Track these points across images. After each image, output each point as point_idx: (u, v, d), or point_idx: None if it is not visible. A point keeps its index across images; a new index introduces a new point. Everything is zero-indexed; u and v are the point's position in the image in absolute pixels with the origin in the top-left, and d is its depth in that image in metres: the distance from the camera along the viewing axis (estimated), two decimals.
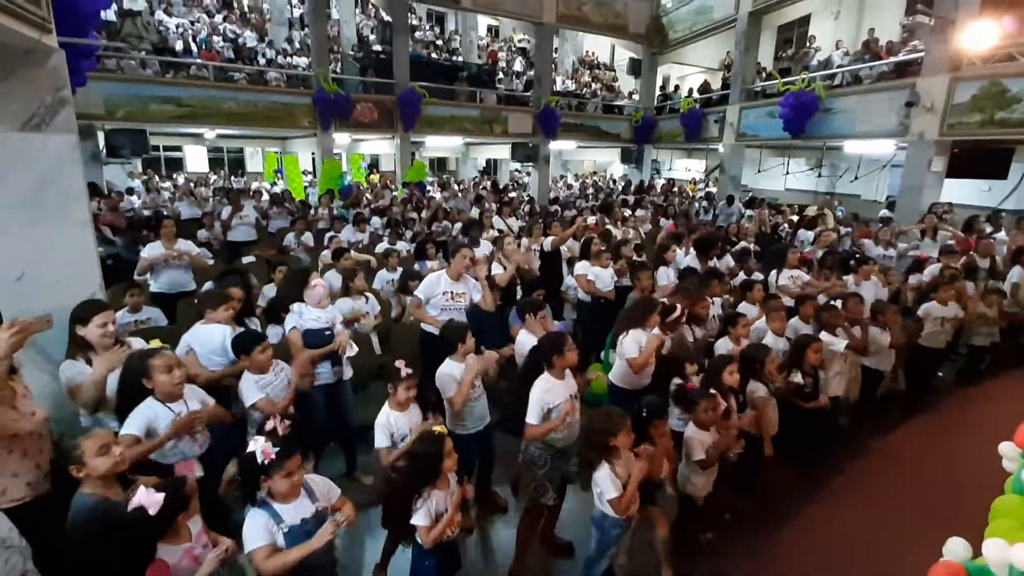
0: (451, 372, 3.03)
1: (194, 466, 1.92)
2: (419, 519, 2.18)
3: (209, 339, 3.10)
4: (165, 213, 7.97)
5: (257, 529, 1.91)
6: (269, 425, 2.13)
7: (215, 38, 12.60)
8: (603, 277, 5.12)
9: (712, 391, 3.01)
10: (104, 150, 9.96)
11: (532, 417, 2.69)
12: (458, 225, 7.83)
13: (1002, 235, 7.00)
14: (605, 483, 2.41)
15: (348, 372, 3.62)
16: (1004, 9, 7.45)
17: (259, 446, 1.92)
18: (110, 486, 1.96)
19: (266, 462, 1.90)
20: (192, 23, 12.75)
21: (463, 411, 3.02)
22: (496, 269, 5.14)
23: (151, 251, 4.86)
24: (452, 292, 4.00)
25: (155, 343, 2.54)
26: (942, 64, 7.85)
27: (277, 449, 1.93)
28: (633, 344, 3.45)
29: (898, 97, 8.53)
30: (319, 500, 2.09)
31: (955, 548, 1.59)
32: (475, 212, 9.11)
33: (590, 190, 16.11)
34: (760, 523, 3.31)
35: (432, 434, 2.29)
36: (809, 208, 9.89)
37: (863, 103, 9.29)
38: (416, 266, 5.96)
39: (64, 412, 2.63)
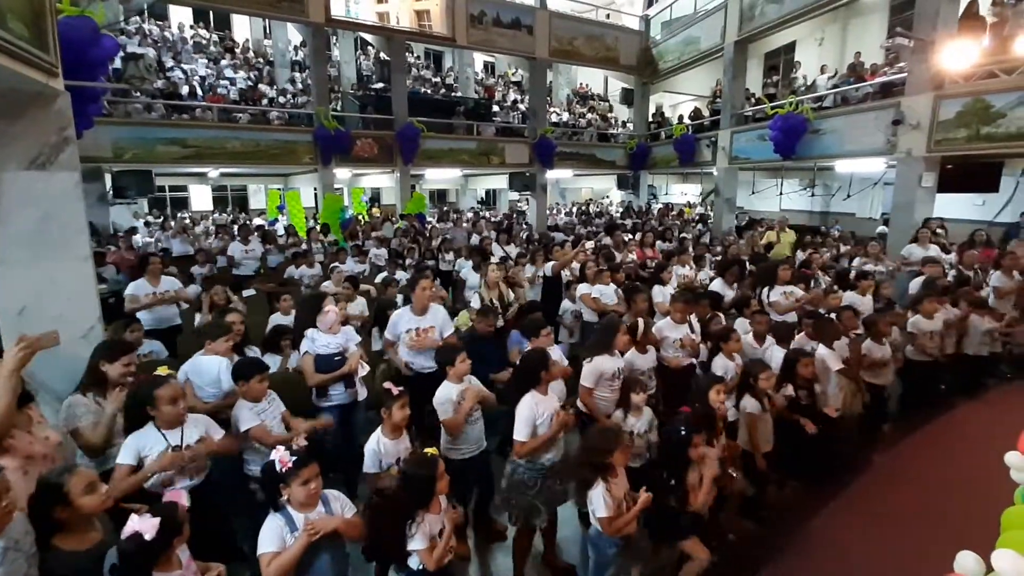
0: (448, 395, 3.03)
1: (182, 495, 1.92)
2: (417, 543, 2.15)
3: (206, 370, 3.12)
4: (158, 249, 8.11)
5: (270, 534, 2.00)
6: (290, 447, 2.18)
7: (220, 82, 13.03)
8: (608, 293, 5.18)
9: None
10: (111, 191, 10.18)
11: (520, 434, 2.70)
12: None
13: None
14: (598, 501, 2.40)
15: (363, 393, 3.64)
16: (981, 29, 7.68)
17: (277, 455, 2.03)
18: (89, 530, 1.91)
19: (283, 470, 2.01)
20: (198, 69, 13.21)
21: (458, 435, 3.02)
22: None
23: (136, 289, 4.92)
24: (417, 328, 3.78)
25: (163, 370, 2.55)
26: (925, 83, 8.03)
27: (294, 458, 2.03)
28: (591, 373, 3.39)
29: (884, 116, 8.70)
30: (335, 514, 2.14)
31: (966, 563, 1.55)
32: (474, 240, 9.23)
33: (588, 215, 16.29)
34: (764, 543, 3.24)
35: (424, 456, 2.28)
36: (768, 233, 9.61)
37: (851, 123, 9.46)
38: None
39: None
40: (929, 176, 8.33)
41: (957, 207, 9.97)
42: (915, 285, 5.60)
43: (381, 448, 2.67)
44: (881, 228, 10.32)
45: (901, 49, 9.33)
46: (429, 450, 2.33)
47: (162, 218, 14.85)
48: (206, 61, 14.09)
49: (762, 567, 3.04)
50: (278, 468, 2.02)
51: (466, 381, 3.12)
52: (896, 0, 11.47)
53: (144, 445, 2.38)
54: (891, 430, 4.48)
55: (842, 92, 10.24)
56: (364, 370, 3.65)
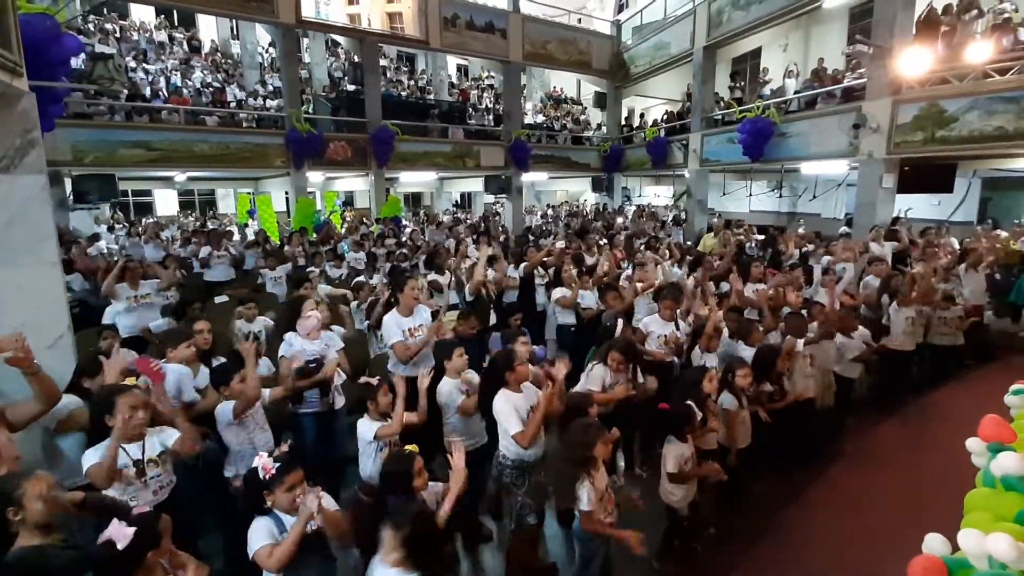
0: (448, 389, 3.13)
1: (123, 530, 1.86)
2: None
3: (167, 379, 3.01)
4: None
5: (261, 532, 1.99)
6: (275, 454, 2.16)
7: (186, 81, 12.66)
8: (588, 298, 5.26)
9: (689, 403, 3.05)
10: (71, 196, 9.78)
11: (513, 426, 2.71)
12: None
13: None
14: (583, 495, 2.44)
15: (340, 401, 3.60)
16: (935, 37, 8.06)
17: (260, 462, 2.02)
18: (48, 534, 1.84)
19: (267, 477, 2.00)
20: (163, 71, 12.81)
21: (458, 425, 3.10)
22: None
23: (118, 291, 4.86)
24: (409, 328, 3.80)
25: (130, 380, 2.49)
26: (884, 88, 8.38)
27: (278, 464, 2.02)
28: (596, 379, 3.48)
29: (847, 120, 9.03)
30: (320, 514, 2.10)
31: (933, 544, 1.63)
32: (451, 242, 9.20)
33: (563, 219, 16.38)
34: (744, 534, 3.33)
35: (402, 454, 2.31)
36: (711, 241, 9.60)
37: (815, 127, 9.79)
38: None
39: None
40: (889, 177, 8.68)
41: (916, 206, 10.40)
42: (867, 283, 5.83)
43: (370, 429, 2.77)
44: (843, 228, 10.69)
45: (861, 55, 9.70)
46: (408, 447, 2.36)
47: (125, 224, 14.25)
48: (171, 62, 13.68)
49: (742, 558, 3.12)
50: (261, 475, 2.01)
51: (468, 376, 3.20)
52: (855, 9, 11.93)
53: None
54: (862, 420, 4.65)
55: (807, 96, 10.59)
56: (340, 378, 3.61)
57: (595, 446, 2.47)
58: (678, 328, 4.25)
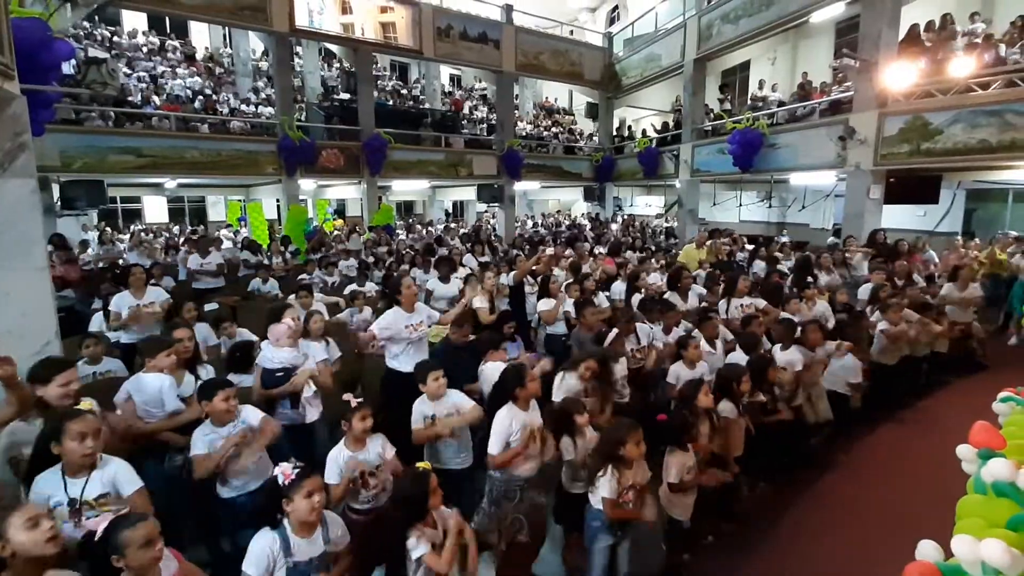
0: (420, 408, 3.02)
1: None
2: (421, 550, 2.08)
3: (146, 388, 2.91)
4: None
5: (260, 554, 1.93)
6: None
7: (176, 82, 12.60)
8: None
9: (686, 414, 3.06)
10: (59, 202, 9.66)
11: (493, 447, 2.72)
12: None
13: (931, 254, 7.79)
14: (603, 484, 2.50)
15: (312, 414, 3.44)
16: (918, 52, 8.24)
17: (280, 469, 2.01)
18: (43, 567, 1.71)
19: (286, 483, 1.97)
20: (154, 76, 12.76)
21: (439, 446, 3.02)
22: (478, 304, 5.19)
23: (118, 304, 4.67)
24: (412, 324, 3.92)
25: (86, 404, 2.30)
26: (870, 101, 8.54)
27: (296, 470, 1.99)
28: (564, 390, 3.43)
29: (834, 132, 9.18)
30: (330, 543, 2.10)
31: (926, 551, 1.64)
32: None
33: (562, 228, 16.45)
34: (740, 543, 3.33)
35: (416, 472, 2.23)
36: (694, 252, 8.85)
37: (804, 138, 9.94)
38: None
39: None
40: (876, 188, 8.82)
41: (901, 217, 10.58)
42: (864, 291, 5.90)
43: (341, 459, 2.57)
44: (832, 239, 10.84)
45: (848, 69, 9.89)
46: (421, 464, 2.28)
47: (101, 232, 13.88)
48: (162, 69, 13.63)
49: (737, 566, 3.11)
50: (281, 481, 1.98)
51: (446, 398, 3.06)
52: (841, 24, 12.18)
53: (47, 492, 2.05)
54: (854, 428, 4.67)
55: (796, 108, 10.76)
56: (310, 390, 3.41)
57: (625, 444, 2.51)
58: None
